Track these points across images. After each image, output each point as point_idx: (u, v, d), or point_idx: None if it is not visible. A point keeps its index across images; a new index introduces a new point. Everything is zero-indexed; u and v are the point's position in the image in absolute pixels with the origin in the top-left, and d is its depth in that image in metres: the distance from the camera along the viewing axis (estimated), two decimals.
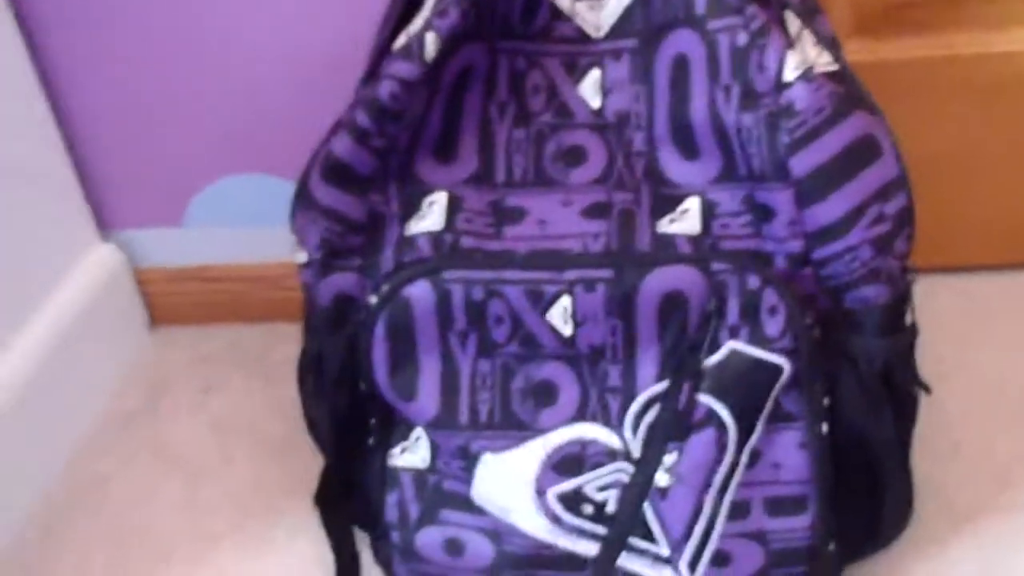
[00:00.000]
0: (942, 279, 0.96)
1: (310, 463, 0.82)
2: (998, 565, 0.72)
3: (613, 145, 0.67)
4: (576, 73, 0.67)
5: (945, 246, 0.96)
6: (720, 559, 0.64)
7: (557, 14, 0.66)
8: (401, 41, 0.65)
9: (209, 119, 0.92)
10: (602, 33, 0.66)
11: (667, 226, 0.64)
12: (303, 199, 0.66)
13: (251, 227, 0.97)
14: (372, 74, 0.65)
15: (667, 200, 0.65)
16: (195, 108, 0.92)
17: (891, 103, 0.84)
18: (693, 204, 0.65)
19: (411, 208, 0.66)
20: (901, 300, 0.65)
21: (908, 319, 0.67)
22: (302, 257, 0.67)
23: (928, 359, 0.87)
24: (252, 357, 0.98)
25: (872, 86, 0.68)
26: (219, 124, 0.92)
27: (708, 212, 0.64)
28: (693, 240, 0.63)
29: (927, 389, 0.70)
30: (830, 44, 0.63)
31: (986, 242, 0.96)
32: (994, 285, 0.96)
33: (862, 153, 0.61)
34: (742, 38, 0.61)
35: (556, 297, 0.62)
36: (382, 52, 0.66)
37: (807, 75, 0.60)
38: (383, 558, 0.71)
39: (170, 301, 1.02)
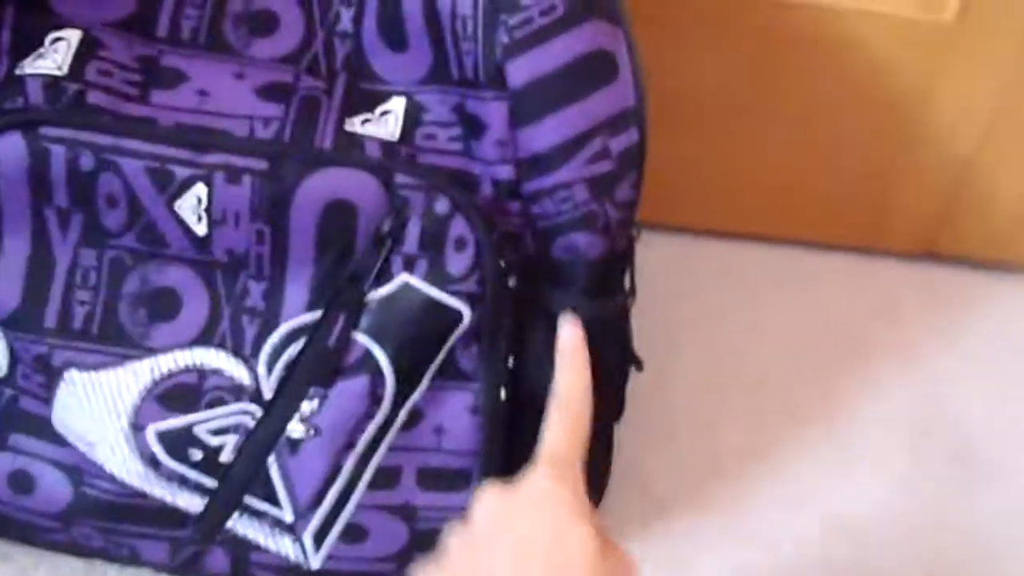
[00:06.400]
0: (700, 243, 0.89)
1: None
2: (683, 563, 0.68)
3: (316, 19, 0.56)
4: None
5: (705, 206, 0.89)
6: (353, 533, 0.56)
7: None
8: None
9: None
10: None
11: (358, 126, 0.54)
12: None
13: None
14: None
15: (366, 96, 0.56)
16: None
17: (667, 28, 0.75)
18: (397, 106, 0.55)
19: (29, 42, 0.53)
20: (618, 258, 0.57)
21: (626, 283, 0.60)
22: None
23: (668, 327, 0.82)
24: None
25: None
26: None
27: (412, 117, 0.55)
28: (386, 146, 0.53)
29: (639, 366, 0.64)
30: None
31: (752, 209, 0.89)
32: (754, 257, 0.90)
33: (592, 71, 0.52)
34: None
35: (188, 183, 0.51)
36: None
37: None
38: None
39: None
